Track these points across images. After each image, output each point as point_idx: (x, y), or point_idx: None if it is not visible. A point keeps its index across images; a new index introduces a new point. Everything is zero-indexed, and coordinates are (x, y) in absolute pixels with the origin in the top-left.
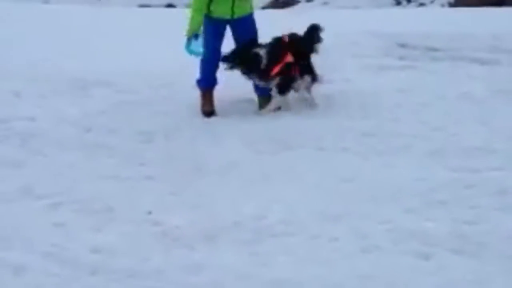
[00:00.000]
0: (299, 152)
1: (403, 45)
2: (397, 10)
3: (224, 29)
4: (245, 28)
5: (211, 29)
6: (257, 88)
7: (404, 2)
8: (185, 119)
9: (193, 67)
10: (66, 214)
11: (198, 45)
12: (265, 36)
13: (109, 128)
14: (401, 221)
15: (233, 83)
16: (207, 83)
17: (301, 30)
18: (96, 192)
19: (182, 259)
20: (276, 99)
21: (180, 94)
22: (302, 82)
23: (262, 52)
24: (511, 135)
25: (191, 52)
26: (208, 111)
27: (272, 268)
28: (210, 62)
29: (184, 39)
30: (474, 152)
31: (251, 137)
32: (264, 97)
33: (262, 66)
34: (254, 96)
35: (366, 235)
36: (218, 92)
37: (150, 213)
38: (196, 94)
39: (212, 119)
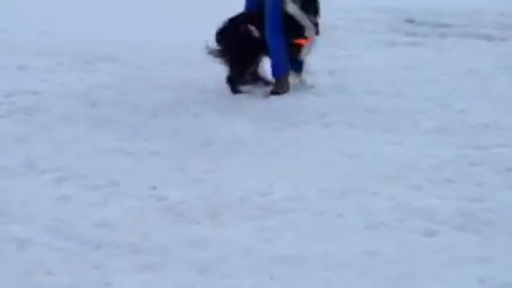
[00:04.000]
0: (304, 128)
1: (411, 21)
2: None
3: None
4: None
5: None
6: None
7: None
8: (190, 95)
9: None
10: (70, 188)
11: None
12: None
13: (114, 103)
14: (407, 198)
15: None
16: None
17: None
18: (100, 166)
19: (187, 234)
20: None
21: (185, 69)
22: None
23: None
24: None
25: None
26: None
27: (277, 244)
28: None
29: None
30: (480, 129)
31: (256, 114)
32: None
33: None
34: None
35: (371, 212)
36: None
37: (154, 188)
38: (201, 68)
39: (217, 95)
